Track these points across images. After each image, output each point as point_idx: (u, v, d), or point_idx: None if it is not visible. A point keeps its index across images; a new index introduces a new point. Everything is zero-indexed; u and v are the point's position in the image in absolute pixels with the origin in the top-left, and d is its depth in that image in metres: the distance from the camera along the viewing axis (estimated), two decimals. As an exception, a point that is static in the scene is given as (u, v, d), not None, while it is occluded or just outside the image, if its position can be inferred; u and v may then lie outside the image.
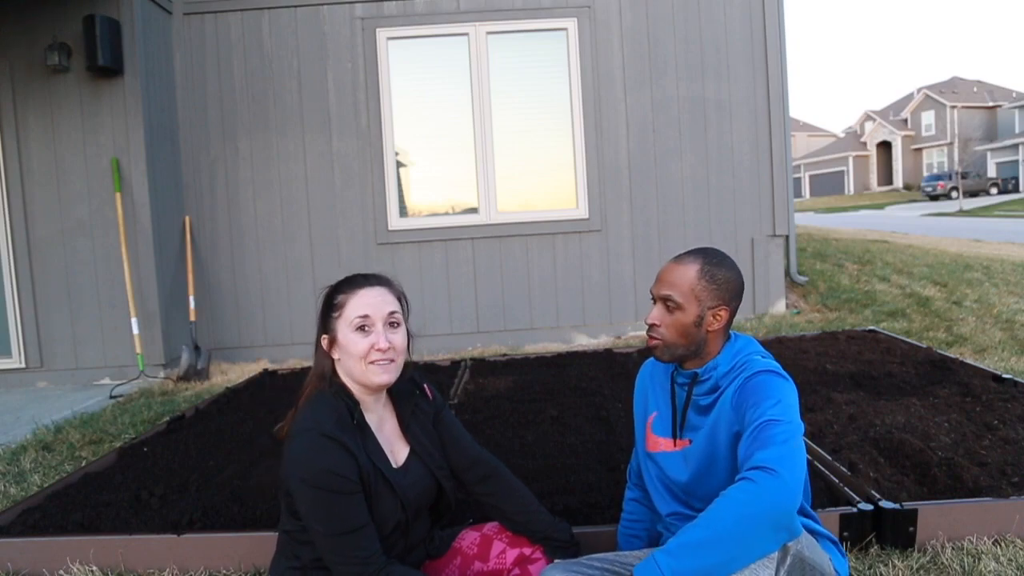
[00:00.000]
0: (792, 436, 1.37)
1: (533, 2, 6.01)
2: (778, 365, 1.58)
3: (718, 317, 1.60)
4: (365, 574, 1.50)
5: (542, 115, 6.17)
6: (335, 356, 1.66)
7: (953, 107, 47.06)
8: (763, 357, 1.60)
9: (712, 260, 1.62)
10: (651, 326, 1.63)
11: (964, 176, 36.62)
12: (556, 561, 1.66)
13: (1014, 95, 45.53)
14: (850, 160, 53.96)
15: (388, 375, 1.63)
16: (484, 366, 4.80)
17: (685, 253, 1.66)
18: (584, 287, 6.16)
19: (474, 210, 6.15)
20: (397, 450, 1.72)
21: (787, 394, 1.48)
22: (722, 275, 1.61)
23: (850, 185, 53.69)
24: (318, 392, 1.65)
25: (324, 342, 1.67)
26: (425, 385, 1.84)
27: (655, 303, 1.64)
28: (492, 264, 6.12)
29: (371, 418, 1.68)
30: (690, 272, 1.60)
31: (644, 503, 1.94)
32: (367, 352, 1.60)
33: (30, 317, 5.43)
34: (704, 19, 6.09)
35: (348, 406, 1.62)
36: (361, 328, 1.61)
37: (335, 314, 1.64)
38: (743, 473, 1.31)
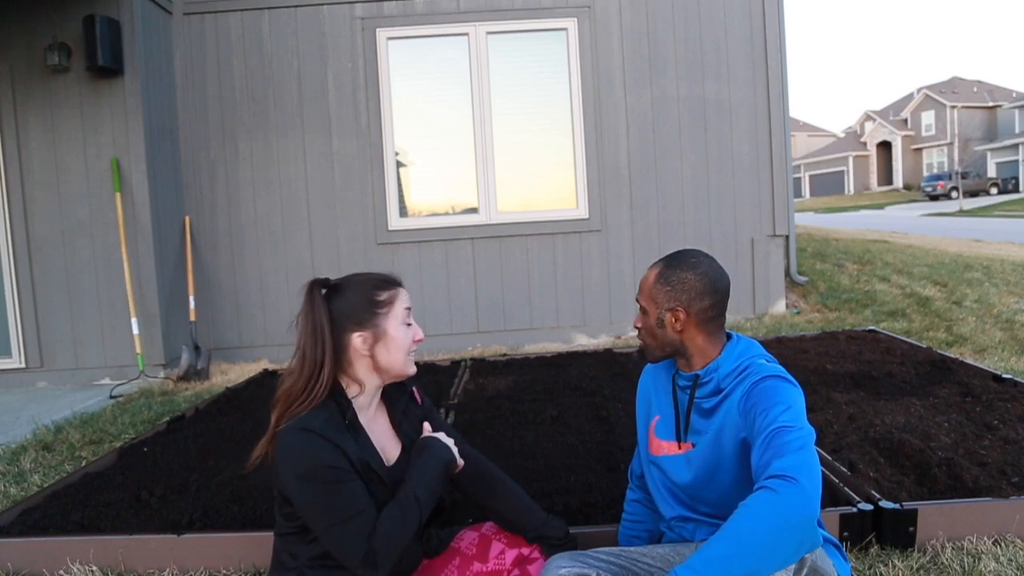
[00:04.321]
0: (806, 443, 1.36)
1: (533, 2, 6.01)
2: (783, 369, 1.58)
3: (677, 318, 1.62)
4: (370, 549, 1.51)
5: (542, 115, 6.17)
6: (368, 353, 1.65)
7: (953, 107, 47.05)
8: (767, 361, 1.60)
9: (671, 263, 1.65)
10: (636, 329, 1.73)
11: (964, 176, 36.60)
12: (563, 552, 1.66)
13: (1014, 95, 45.51)
14: (850, 160, 53.95)
15: (414, 364, 1.75)
16: (484, 366, 4.80)
17: (660, 258, 1.71)
18: (584, 287, 6.16)
19: (474, 210, 6.15)
20: (389, 448, 1.73)
21: (796, 399, 1.48)
22: (676, 277, 1.62)
23: (850, 185, 53.68)
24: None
25: (358, 340, 1.64)
26: (414, 388, 1.87)
27: None
28: (492, 264, 6.12)
29: (363, 418, 1.69)
30: (651, 276, 1.67)
31: (645, 504, 1.93)
32: (411, 344, 1.71)
33: (30, 317, 5.43)
34: (704, 19, 6.09)
35: (340, 406, 1.63)
36: (406, 323, 1.71)
37: (383, 311, 1.67)
38: (761, 482, 1.29)
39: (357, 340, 1.64)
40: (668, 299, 1.63)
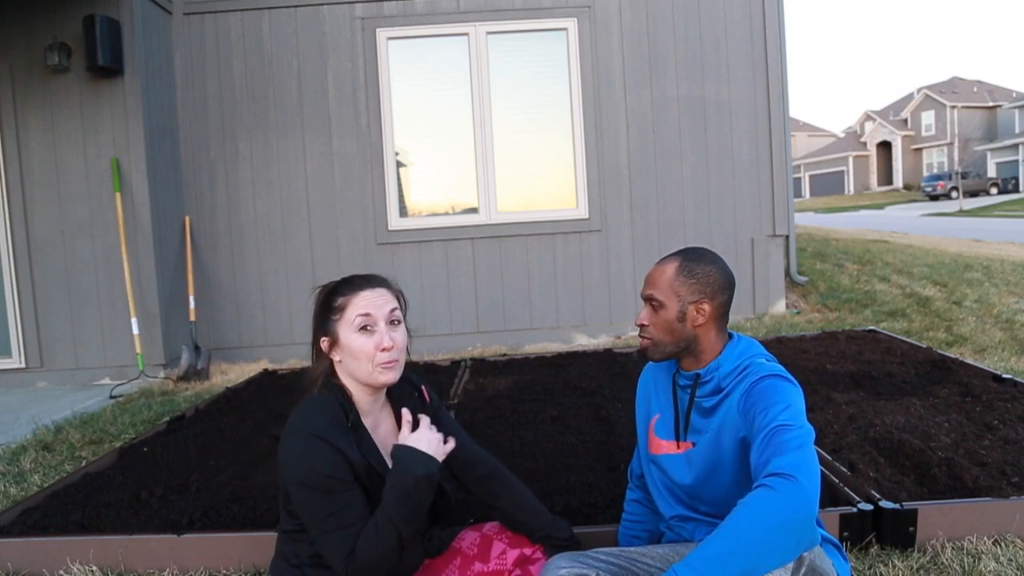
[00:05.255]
0: (806, 442, 1.36)
1: (533, 2, 6.01)
2: (783, 368, 1.58)
3: (701, 311, 1.61)
4: (351, 568, 1.51)
5: (542, 115, 6.17)
6: (336, 358, 1.66)
7: (953, 107, 47.04)
8: (767, 360, 1.60)
9: (691, 256, 1.65)
10: (641, 327, 1.68)
11: (964, 176, 36.60)
12: (563, 553, 1.66)
13: (1014, 95, 45.51)
14: (850, 160, 53.94)
15: (393, 373, 1.64)
16: (484, 366, 4.80)
17: (669, 254, 1.69)
18: (584, 287, 6.16)
19: (474, 210, 6.15)
20: None
21: (795, 398, 1.48)
22: (700, 270, 1.63)
23: (850, 185, 53.68)
24: (314, 393, 1.66)
25: (324, 344, 1.66)
26: (423, 387, 1.84)
27: (645, 305, 1.69)
28: (492, 264, 6.11)
29: (367, 420, 1.68)
30: (669, 270, 1.64)
31: (645, 504, 1.93)
32: (373, 352, 1.60)
33: (30, 317, 5.43)
34: (704, 19, 6.09)
35: (343, 406, 1.62)
36: (364, 328, 1.61)
37: (335, 317, 1.64)
38: (761, 480, 1.29)
39: (324, 345, 1.66)
40: (692, 292, 1.61)
